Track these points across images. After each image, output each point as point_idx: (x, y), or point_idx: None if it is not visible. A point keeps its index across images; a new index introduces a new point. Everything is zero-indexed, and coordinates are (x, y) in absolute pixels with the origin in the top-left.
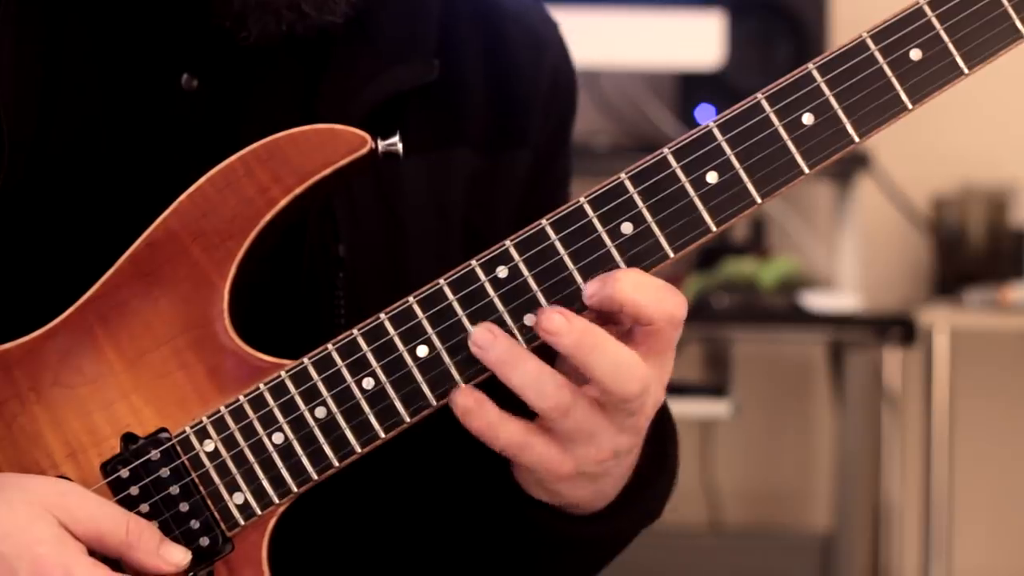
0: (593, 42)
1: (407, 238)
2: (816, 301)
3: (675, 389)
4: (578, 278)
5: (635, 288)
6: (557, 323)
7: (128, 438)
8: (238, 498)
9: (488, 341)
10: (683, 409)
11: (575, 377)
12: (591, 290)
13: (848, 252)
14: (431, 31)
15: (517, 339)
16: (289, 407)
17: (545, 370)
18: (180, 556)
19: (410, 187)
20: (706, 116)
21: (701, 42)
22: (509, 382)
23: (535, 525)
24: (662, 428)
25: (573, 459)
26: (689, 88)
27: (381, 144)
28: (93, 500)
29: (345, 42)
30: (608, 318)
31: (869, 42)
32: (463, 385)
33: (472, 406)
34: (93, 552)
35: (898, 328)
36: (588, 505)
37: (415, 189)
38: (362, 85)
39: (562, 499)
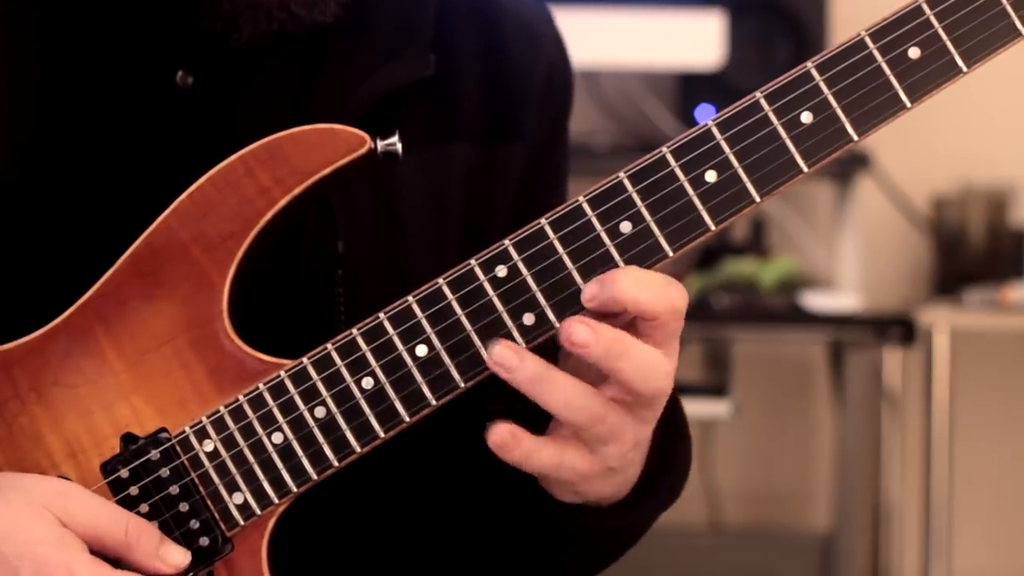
0: (593, 42)
1: (405, 234)
2: (816, 301)
3: (675, 389)
4: (577, 277)
5: (635, 286)
6: (583, 335)
7: (128, 438)
8: (238, 498)
9: (514, 363)
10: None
11: (587, 375)
12: (590, 293)
13: (848, 252)
14: (426, 26)
15: (517, 340)
16: (288, 407)
17: (577, 385)
18: (180, 558)
19: (407, 183)
20: (706, 116)
21: (701, 42)
22: (540, 400)
23: (560, 524)
24: (672, 411)
25: (601, 460)
26: (689, 88)
27: (380, 144)
28: (93, 500)
29: (340, 38)
30: (609, 314)
31: (867, 40)
32: (498, 423)
33: (508, 441)
34: (93, 551)
35: (898, 328)
36: (611, 498)
37: (412, 184)
38: (357, 81)
39: (589, 497)
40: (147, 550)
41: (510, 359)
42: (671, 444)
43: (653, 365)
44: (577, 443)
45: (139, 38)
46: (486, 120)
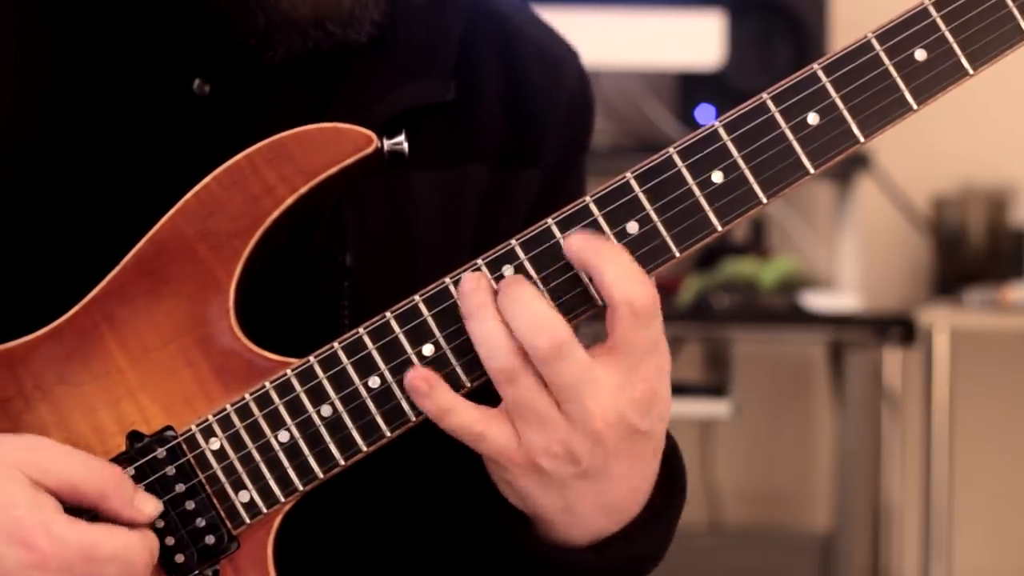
0: (593, 42)
1: (416, 251)
2: (816, 301)
3: (675, 389)
4: (583, 278)
5: (611, 260)
6: (467, 282)
7: (134, 436)
8: (244, 497)
9: (471, 288)
10: (683, 409)
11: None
12: (577, 239)
13: (848, 252)
14: (450, 50)
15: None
16: (295, 406)
17: (505, 331)
18: (151, 507)
19: (422, 200)
20: (706, 116)
21: (701, 42)
22: (469, 332)
23: (508, 535)
24: (668, 480)
25: (525, 443)
26: (689, 88)
27: (387, 143)
28: (64, 452)
29: (363, 59)
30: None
31: (874, 42)
32: (416, 365)
33: (420, 385)
34: (69, 504)
35: (898, 328)
36: (561, 525)
37: (426, 203)
38: (376, 99)
39: (529, 504)
40: (124, 497)
41: (468, 284)
42: (645, 525)
43: (541, 317)
44: (503, 418)
45: (159, 43)
46: (504, 144)
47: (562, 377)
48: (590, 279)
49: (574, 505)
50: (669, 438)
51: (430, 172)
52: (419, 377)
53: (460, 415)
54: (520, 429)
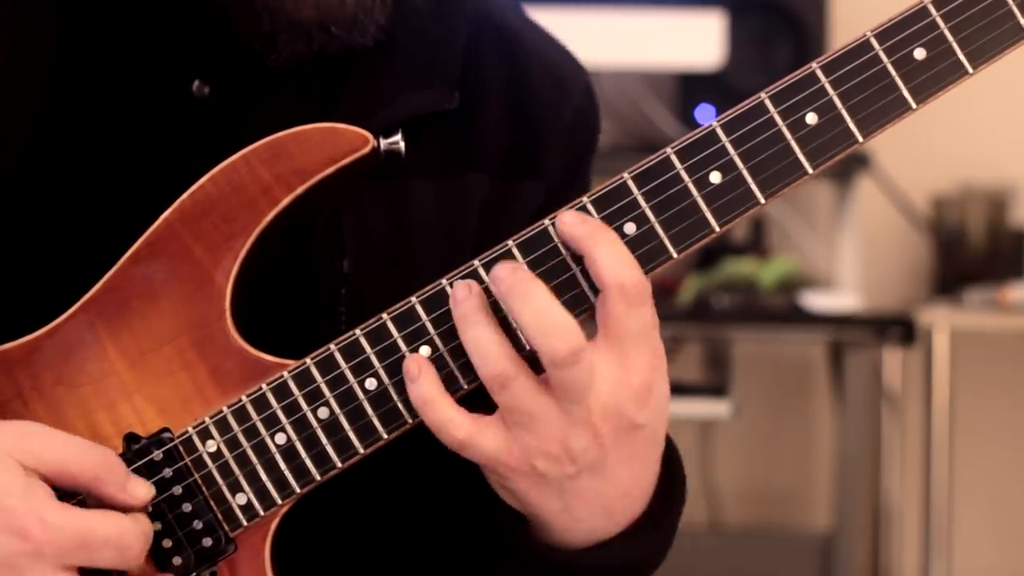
0: (593, 42)
1: (415, 258)
2: (816, 301)
3: (675, 389)
4: (581, 279)
5: (606, 245)
6: (459, 289)
7: (130, 438)
8: (241, 499)
9: (463, 295)
10: (683, 409)
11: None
12: (572, 219)
13: (848, 252)
14: (454, 60)
15: (520, 339)
16: (292, 408)
17: (498, 338)
18: (144, 491)
19: (422, 208)
20: (706, 116)
21: (701, 42)
22: (463, 340)
23: (506, 536)
24: (668, 485)
25: (522, 451)
26: (689, 88)
27: (383, 142)
28: (56, 436)
29: (366, 64)
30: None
31: (873, 42)
32: (417, 354)
33: (411, 368)
34: (62, 489)
35: (898, 328)
36: (559, 527)
37: (427, 210)
38: (378, 106)
39: (529, 508)
40: (116, 482)
41: (462, 291)
42: (647, 526)
43: (555, 319)
44: (499, 422)
45: (161, 44)
46: (507, 155)
47: (573, 380)
48: (581, 260)
49: (572, 505)
50: (669, 442)
51: (430, 180)
52: (413, 362)
53: (441, 411)
54: (515, 433)
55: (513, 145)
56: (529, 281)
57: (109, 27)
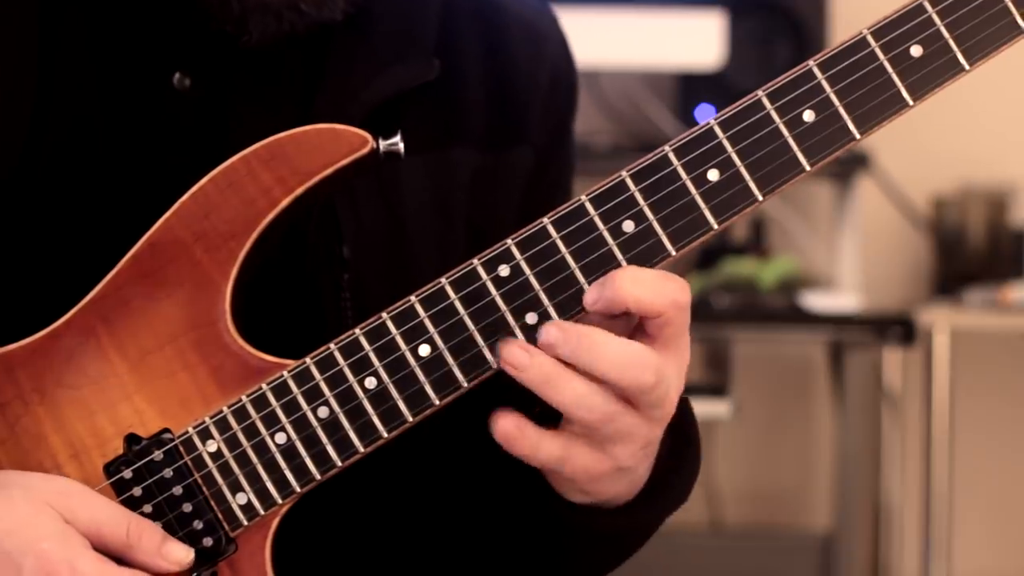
0: (593, 42)
1: (410, 237)
2: (816, 301)
3: (685, 392)
4: (580, 277)
5: (634, 284)
6: (519, 358)
7: (131, 439)
8: (241, 499)
9: (524, 361)
10: None
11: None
12: (592, 297)
13: (848, 252)
14: (430, 29)
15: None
16: (292, 407)
17: (588, 384)
18: (183, 554)
19: (411, 186)
20: (706, 116)
21: (701, 42)
22: (551, 399)
23: (568, 524)
24: (681, 410)
25: (611, 459)
26: (689, 88)
27: (382, 144)
28: (95, 499)
29: (343, 42)
30: (615, 316)
31: (870, 39)
32: (503, 414)
33: (513, 432)
34: (96, 549)
35: (898, 328)
36: (619, 498)
37: (416, 188)
38: (361, 86)
39: (599, 497)
40: (149, 549)
41: (520, 357)
42: (680, 447)
43: (629, 357)
44: (586, 440)
45: (139, 38)
46: (490, 123)
47: (658, 395)
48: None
49: (636, 476)
50: (685, 402)
51: (417, 155)
52: (510, 423)
53: (548, 448)
54: (607, 449)
55: (495, 112)
56: (588, 333)
57: (88, 28)
